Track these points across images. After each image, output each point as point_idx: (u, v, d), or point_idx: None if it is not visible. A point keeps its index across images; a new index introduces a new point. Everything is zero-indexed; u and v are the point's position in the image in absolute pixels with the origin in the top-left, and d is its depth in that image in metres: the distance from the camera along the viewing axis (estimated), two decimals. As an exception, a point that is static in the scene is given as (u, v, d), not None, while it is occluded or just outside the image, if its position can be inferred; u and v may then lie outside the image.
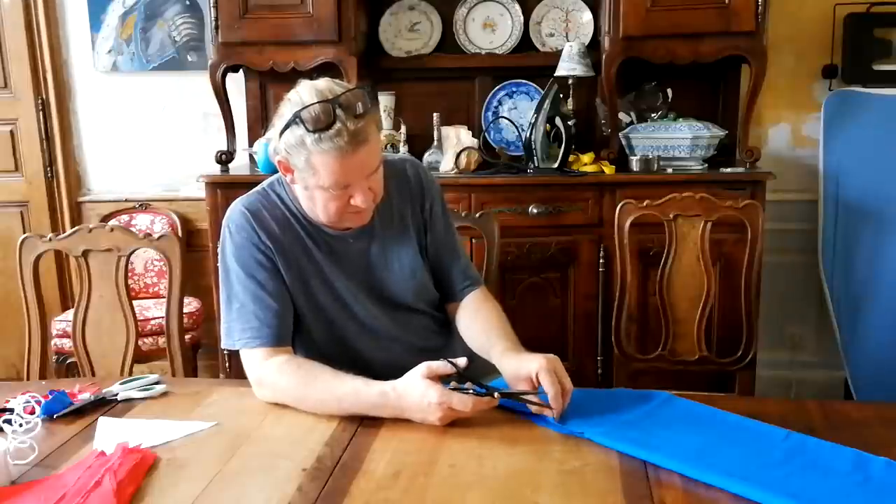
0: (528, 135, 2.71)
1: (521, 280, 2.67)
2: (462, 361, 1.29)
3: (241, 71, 3.02)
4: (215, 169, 2.82)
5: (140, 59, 3.21)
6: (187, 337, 2.51)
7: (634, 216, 2.00)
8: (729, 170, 2.63)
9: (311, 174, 1.36)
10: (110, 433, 1.28)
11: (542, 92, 2.75)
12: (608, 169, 2.67)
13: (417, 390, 1.25)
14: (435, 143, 2.82)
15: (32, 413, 1.30)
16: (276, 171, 1.48)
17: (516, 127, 2.93)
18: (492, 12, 2.98)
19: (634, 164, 2.68)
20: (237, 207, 1.49)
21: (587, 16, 2.94)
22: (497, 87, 3.00)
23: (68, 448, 1.25)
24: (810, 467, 1.10)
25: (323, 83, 1.36)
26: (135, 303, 1.92)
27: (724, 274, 2.35)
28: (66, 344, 2.71)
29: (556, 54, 2.79)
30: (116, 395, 1.44)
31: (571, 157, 2.71)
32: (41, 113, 3.27)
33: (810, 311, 3.07)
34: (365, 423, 1.29)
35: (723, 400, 1.36)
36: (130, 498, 1.07)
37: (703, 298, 1.99)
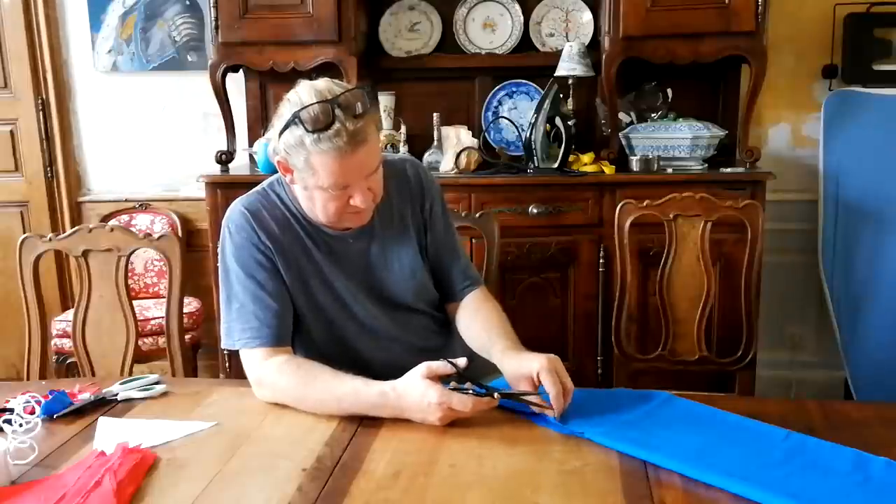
0: (528, 135, 2.71)
1: (521, 280, 2.67)
2: (462, 362, 1.29)
3: (241, 71, 3.02)
4: (215, 169, 2.82)
5: (140, 59, 3.22)
6: (187, 337, 2.51)
7: (634, 216, 2.00)
8: (729, 170, 2.63)
9: (311, 174, 1.36)
10: (110, 433, 1.28)
11: (542, 92, 2.75)
12: (608, 169, 2.67)
13: (417, 390, 1.25)
14: (435, 143, 2.82)
15: (32, 413, 1.30)
16: (275, 171, 1.48)
17: (516, 127, 2.93)
18: (492, 12, 2.98)
19: (634, 164, 2.68)
20: (237, 207, 1.49)
21: (587, 16, 2.94)
22: (497, 87, 3.00)
23: (68, 448, 1.25)
24: (810, 467, 1.10)
25: (322, 83, 1.36)
26: (135, 303, 1.92)
27: (724, 274, 2.35)
28: (66, 344, 2.71)
29: (556, 54, 2.79)
30: (116, 395, 1.44)
31: (571, 157, 2.71)
32: (41, 113, 3.27)
33: (810, 311, 3.07)
34: (365, 423, 1.29)
35: (723, 400, 1.36)
36: (130, 498, 1.07)
37: (703, 298, 1.99)
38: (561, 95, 2.71)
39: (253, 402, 1.39)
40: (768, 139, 3.02)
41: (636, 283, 2.10)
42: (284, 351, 1.43)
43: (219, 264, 1.50)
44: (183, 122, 3.26)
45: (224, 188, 2.67)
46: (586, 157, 2.72)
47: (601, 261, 2.63)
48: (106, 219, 3.22)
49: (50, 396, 1.37)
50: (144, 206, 3.28)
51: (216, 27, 2.74)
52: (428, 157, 2.79)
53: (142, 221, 3.23)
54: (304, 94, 1.34)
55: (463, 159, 2.70)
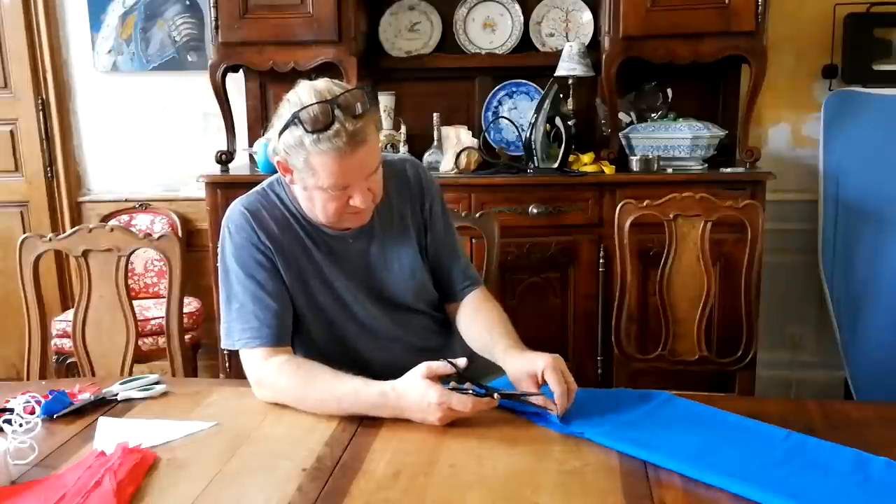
0: (528, 135, 2.71)
1: (521, 280, 2.67)
2: (462, 362, 1.29)
3: (241, 71, 3.02)
4: (215, 169, 2.82)
5: (140, 59, 3.21)
6: (187, 337, 2.52)
7: (634, 216, 2.00)
8: (729, 170, 2.63)
9: (310, 175, 1.36)
10: (110, 433, 1.28)
11: (542, 92, 2.75)
12: (608, 169, 2.67)
13: (417, 390, 1.25)
14: (435, 143, 2.82)
15: (32, 413, 1.30)
16: (275, 171, 1.48)
17: (516, 127, 2.93)
18: (492, 12, 2.98)
19: (634, 164, 2.68)
20: (236, 207, 1.49)
21: (587, 16, 2.94)
22: (497, 87, 3.00)
23: (68, 448, 1.25)
24: (810, 467, 1.10)
25: (322, 84, 1.36)
26: (135, 303, 1.92)
27: (724, 274, 2.35)
28: (66, 344, 2.71)
29: (556, 54, 2.79)
30: (116, 395, 1.44)
31: (571, 157, 2.71)
32: (41, 113, 3.27)
33: (810, 311, 3.07)
34: (365, 423, 1.29)
35: (723, 400, 1.36)
36: (130, 498, 1.07)
37: (703, 298, 1.99)
38: (561, 95, 2.71)
39: (253, 402, 1.39)
40: (768, 139, 3.02)
41: (636, 283, 2.10)
42: (284, 351, 1.43)
43: (218, 264, 1.50)
44: (183, 122, 3.26)
45: (224, 188, 2.67)
46: (586, 157, 2.72)
47: (601, 261, 2.63)
48: (106, 219, 3.22)
49: (50, 396, 1.37)
50: (144, 206, 3.28)
51: (216, 27, 2.74)
52: (428, 157, 2.79)
53: (142, 221, 3.23)
54: (303, 95, 1.34)
55: (463, 159, 2.70)
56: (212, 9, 2.73)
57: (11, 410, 1.27)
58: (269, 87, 3.06)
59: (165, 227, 3.18)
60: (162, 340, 2.28)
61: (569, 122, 2.66)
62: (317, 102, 1.31)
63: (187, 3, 3.17)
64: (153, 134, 3.28)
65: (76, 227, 1.87)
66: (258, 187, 1.54)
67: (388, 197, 1.52)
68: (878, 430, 1.23)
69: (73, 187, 3.35)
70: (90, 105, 3.30)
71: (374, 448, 1.20)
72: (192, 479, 1.13)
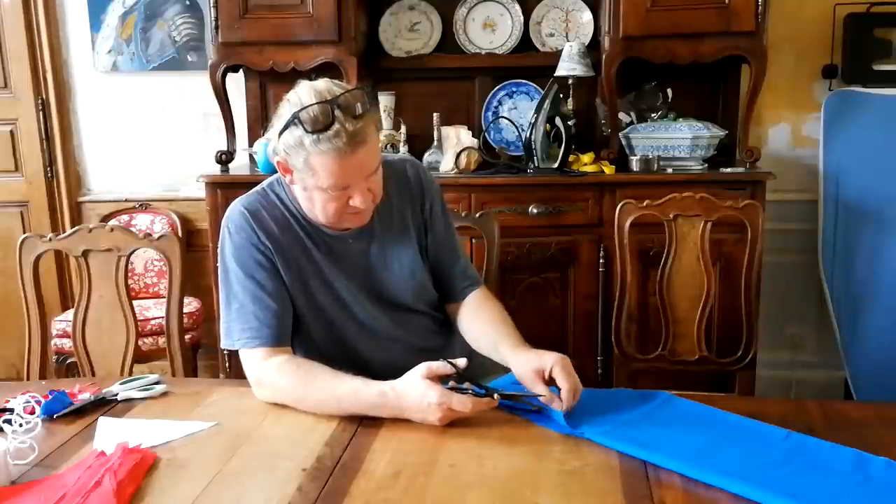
0: (528, 135, 2.71)
1: (521, 280, 2.67)
2: (462, 362, 1.29)
3: (241, 71, 3.02)
4: (215, 169, 2.82)
5: (140, 59, 3.22)
6: (187, 337, 2.51)
7: (634, 216, 2.00)
8: (729, 170, 2.63)
9: (310, 175, 1.36)
10: (110, 433, 1.28)
11: (542, 92, 2.75)
12: (608, 169, 2.67)
13: (417, 390, 1.25)
14: (435, 143, 2.82)
15: (32, 413, 1.30)
16: (275, 172, 1.48)
17: (516, 127, 2.93)
18: (492, 12, 2.98)
19: (634, 164, 2.68)
20: (236, 208, 1.49)
21: (587, 16, 2.94)
22: (497, 87, 3.00)
23: (68, 448, 1.25)
24: (810, 467, 1.10)
25: (322, 84, 1.36)
26: (135, 303, 1.92)
27: (724, 274, 2.35)
28: (66, 344, 2.71)
29: (556, 54, 2.78)
30: (116, 395, 1.44)
31: (571, 157, 2.71)
32: (41, 113, 3.27)
33: (810, 311, 3.07)
34: (365, 423, 1.29)
35: (723, 400, 1.36)
36: (130, 498, 1.07)
37: (703, 298, 1.99)
38: (561, 95, 2.71)
39: (253, 402, 1.39)
40: (768, 139, 3.02)
41: (636, 283, 2.10)
42: (284, 351, 1.43)
43: (218, 264, 1.50)
44: (183, 122, 3.26)
45: (224, 188, 2.67)
46: (586, 157, 2.72)
47: (601, 261, 2.63)
48: (106, 219, 3.22)
49: (50, 396, 1.37)
50: (144, 206, 3.28)
51: (216, 27, 2.74)
52: (428, 157, 2.79)
53: (142, 221, 3.23)
54: (303, 95, 1.34)
55: (463, 159, 2.70)
56: (212, 9, 2.73)
57: (11, 410, 1.27)
58: (269, 87, 3.06)
59: (165, 227, 3.18)
60: (162, 340, 2.28)
61: (569, 122, 2.66)
62: (317, 103, 1.31)
63: (187, 3, 3.17)
64: (153, 134, 3.28)
65: (76, 227, 1.87)
66: (258, 187, 1.54)
67: (389, 197, 1.52)
68: (878, 430, 1.23)
69: (73, 187, 3.35)
70: (90, 105, 3.30)
71: (374, 448, 1.20)
72: (192, 479, 1.13)
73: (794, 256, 3.02)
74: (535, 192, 2.61)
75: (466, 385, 1.28)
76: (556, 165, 2.67)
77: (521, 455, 1.17)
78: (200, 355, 3.10)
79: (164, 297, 2.02)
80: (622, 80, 2.77)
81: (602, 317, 2.65)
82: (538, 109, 2.68)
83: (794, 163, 3.00)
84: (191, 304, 2.97)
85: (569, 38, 2.93)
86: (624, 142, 2.82)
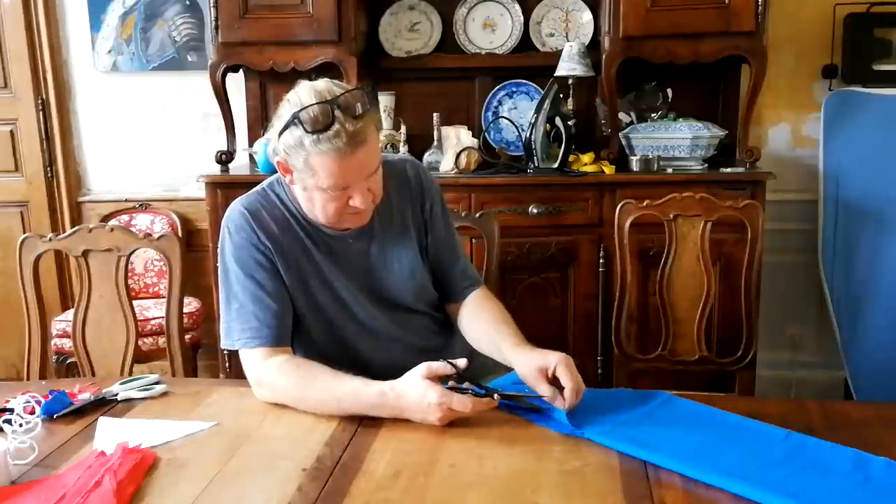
0: (528, 135, 2.71)
1: (521, 280, 2.67)
2: (462, 362, 1.29)
3: (241, 71, 3.02)
4: (215, 169, 2.82)
5: (140, 59, 3.21)
6: (187, 337, 2.51)
7: (634, 216, 2.00)
8: (729, 170, 2.63)
9: (310, 175, 1.36)
10: (110, 433, 1.28)
11: (542, 92, 2.75)
12: (608, 169, 2.66)
13: (417, 390, 1.25)
14: (435, 143, 2.82)
15: (32, 413, 1.30)
16: (275, 172, 1.48)
17: (516, 127, 2.93)
18: (492, 12, 2.98)
19: (634, 164, 2.68)
20: (236, 208, 1.49)
21: (587, 16, 2.94)
22: (497, 87, 3.00)
23: (68, 448, 1.25)
24: (810, 467, 1.10)
25: (322, 84, 1.36)
26: (135, 303, 1.92)
27: (724, 274, 2.35)
28: (66, 344, 2.71)
29: (556, 54, 2.78)
30: (116, 395, 1.44)
31: (571, 157, 2.71)
32: (41, 113, 3.27)
33: (810, 311, 3.07)
34: (365, 423, 1.29)
35: (723, 400, 1.36)
36: (130, 498, 1.07)
37: (703, 298, 1.99)
38: (561, 95, 2.71)
39: (253, 402, 1.39)
40: (768, 139, 3.02)
41: (636, 283, 2.10)
42: (284, 351, 1.43)
43: (218, 264, 1.50)
44: (183, 122, 3.26)
45: (224, 188, 2.67)
46: (586, 157, 2.72)
47: (601, 261, 2.63)
48: (106, 219, 3.22)
49: (50, 396, 1.37)
50: (144, 206, 3.28)
51: (216, 27, 2.74)
52: (428, 157, 2.79)
53: (142, 221, 3.23)
54: (303, 95, 1.34)
55: (463, 159, 2.70)
56: (212, 9, 2.73)
57: (11, 410, 1.27)
58: (269, 87, 3.06)
59: (165, 227, 3.18)
60: (162, 340, 2.28)
61: (569, 122, 2.66)
62: (317, 103, 1.31)
63: (187, 3, 3.17)
64: (153, 134, 3.28)
65: (76, 227, 1.87)
66: (258, 187, 1.54)
67: (389, 197, 1.52)
68: (878, 430, 1.23)
69: (73, 187, 3.35)
70: (90, 105, 3.30)
71: (374, 448, 1.20)
72: (192, 479, 1.13)
73: (794, 256, 3.02)
74: (535, 192, 2.61)
75: (466, 385, 1.28)
76: (556, 165, 2.67)
77: (521, 455, 1.17)
78: (200, 355, 3.10)
79: (164, 297, 2.02)
80: (622, 80, 2.77)
81: (602, 317, 2.65)
82: (538, 109, 2.68)
83: (794, 163, 3.00)
84: (191, 304, 2.97)
85: (569, 38, 2.93)
86: (624, 142, 2.82)
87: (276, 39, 2.73)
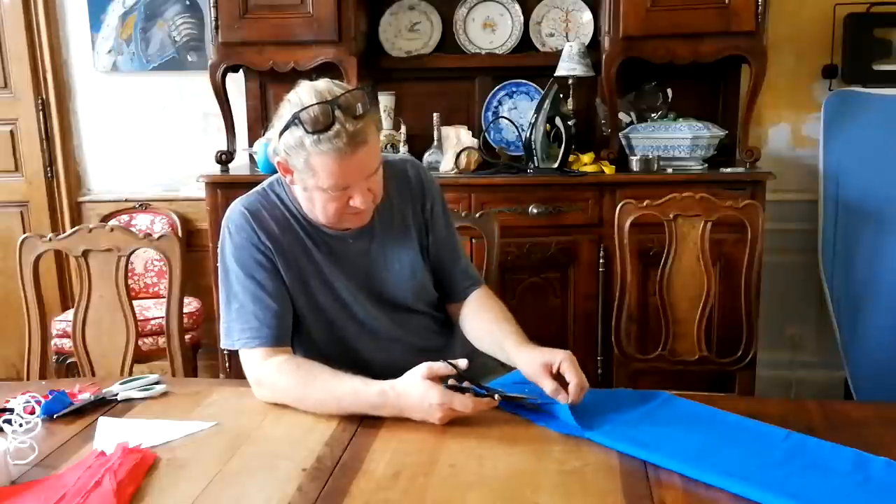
0: (528, 135, 2.71)
1: (521, 280, 2.67)
2: (463, 363, 1.29)
3: (241, 71, 3.02)
4: (215, 169, 2.82)
5: (140, 59, 3.21)
6: (187, 337, 2.51)
7: (634, 216, 2.00)
8: (729, 170, 2.63)
9: (311, 175, 1.36)
10: (110, 433, 1.28)
11: (542, 92, 2.75)
12: (608, 169, 2.67)
13: (418, 391, 1.25)
14: (435, 143, 2.82)
15: (32, 413, 1.30)
16: (275, 172, 1.48)
17: (516, 127, 2.93)
18: (492, 12, 2.98)
19: (634, 164, 2.68)
20: (237, 208, 1.49)
21: (587, 16, 2.94)
22: (497, 87, 3.00)
23: (68, 448, 1.25)
24: (810, 467, 1.10)
25: (322, 84, 1.36)
26: (135, 303, 1.92)
27: (724, 274, 2.35)
28: (66, 344, 2.71)
29: (556, 54, 2.78)
30: (116, 395, 1.44)
31: (571, 157, 2.71)
32: (41, 113, 3.27)
33: (810, 311, 3.07)
34: (365, 423, 1.29)
35: (723, 400, 1.36)
36: (130, 498, 1.07)
37: (703, 298, 1.99)
38: (561, 95, 2.71)
39: (253, 402, 1.39)
40: (768, 139, 3.02)
41: (636, 283, 2.10)
42: (284, 351, 1.43)
43: (218, 264, 1.50)
44: (183, 122, 3.26)
45: (224, 188, 2.67)
46: (586, 157, 2.72)
47: (601, 261, 2.63)
48: (106, 219, 3.22)
49: (50, 396, 1.37)
50: (144, 206, 3.28)
51: (216, 27, 2.74)
52: (428, 157, 2.79)
53: (142, 221, 3.23)
54: (304, 95, 1.34)
55: (463, 159, 2.70)
56: (212, 9, 2.73)
57: (11, 410, 1.27)
58: (269, 87, 3.06)
59: (165, 227, 3.18)
60: (162, 340, 2.28)
61: (569, 122, 2.66)
62: (317, 103, 1.31)
63: (187, 3, 3.17)
64: (153, 134, 3.28)
65: (76, 227, 1.87)
66: (258, 187, 1.54)
67: (389, 197, 1.52)
68: (878, 430, 1.23)
69: (73, 187, 3.35)
70: (90, 105, 3.30)
71: (374, 448, 1.20)
72: (192, 479, 1.13)
73: (794, 256, 3.02)
74: (535, 192, 2.61)
75: (466, 384, 1.28)
76: (556, 165, 2.67)
77: (521, 455, 1.17)
78: (200, 355, 3.10)
79: (164, 297, 2.02)
80: (622, 80, 2.77)
81: (602, 317, 2.65)
82: (538, 109, 2.68)
83: (794, 163, 3.00)
84: (191, 304, 2.97)
85: (569, 38, 2.93)
86: (624, 142, 2.82)
87: (276, 39, 2.73)
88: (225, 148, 2.88)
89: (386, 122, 2.84)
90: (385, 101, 2.84)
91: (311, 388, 1.33)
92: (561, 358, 1.30)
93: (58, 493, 1.07)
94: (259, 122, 3.05)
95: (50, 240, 1.85)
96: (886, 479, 1.07)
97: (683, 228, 2.00)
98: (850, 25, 2.84)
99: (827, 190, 2.86)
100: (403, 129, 2.84)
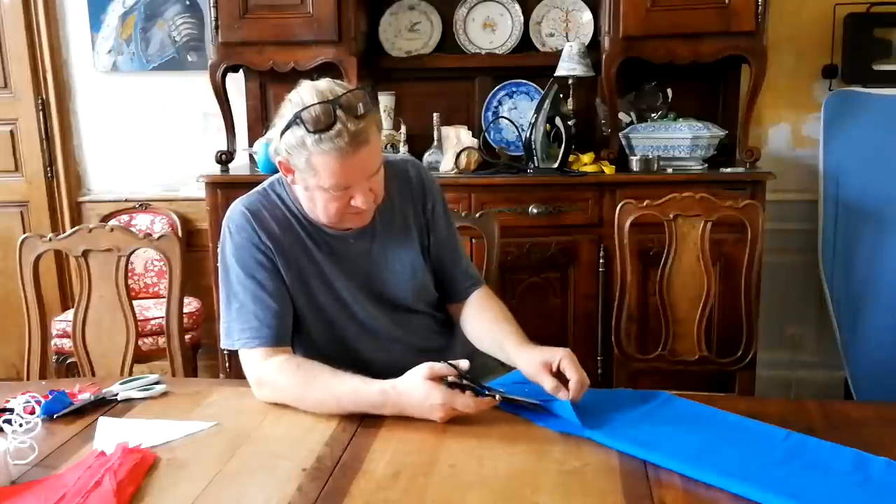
0: (528, 135, 2.71)
1: (521, 280, 2.67)
2: (464, 364, 1.29)
3: (241, 71, 3.02)
4: (215, 169, 2.81)
5: (140, 59, 3.21)
6: (187, 337, 2.51)
7: (634, 216, 2.00)
8: (729, 170, 2.63)
9: (312, 175, 1.36)
10: (110, 433, 1.28)
11: (542, 92, 2.75)
12: (608, 169, 2.67)
13: (420, 391, 1.26)
14: (435, 143, 2.82)
15: (32, 413, 1.30)
16: (275, 171, 1.48)
17: (516, 127, 2.93)
18: (492, 12, 2.98)
19: (634, 164, 2.68)
20: (237, 207, 1.49)
21: (587, 16, 2.94)
22: (497, 87, 3.00)
23: (68, 448, 1.25)
24: (810, 467, 1.10)
25: (324, 84, 1.36)
26: (135, 303, 1.92)
27: (724, 274, 2.35)
28: (66, 344, 2.70)
29: (556, 54, 2.78)
30: (116, 395, 1.44)
31: (571, 157, 2.71)
32: (41, 113, 3.27)
33: (810, 311, 3.07)
34: (365, 423, 1.29)
35: (723, 400, 1.36)
36: (130, 498, 1.07)
37: (703, 298, 1.99)
38: (561, 95, 2.71)
39: (253, 402, 1.39)
40: (768, 139, 3.02)
41: (636, 283, 2.10)
42: (284, 351, 1.43)
43: (219, 264, 1.50)
44: (183, 122, 3.26)
45: (224, 188, 2.67)
46: (586, 157, 2.72)
47: (601, 261, 2.63)
48: (106, 219, 3.22)
49: (50, 396, 1.37)
50: (144, 206, 3.28)
51: (216, 27, 2.74)
52: (428, 157, 2.79)
53: (142, 221, 3.23)
54: (305, 95, 1.34)
55: (463, 159, 2.70)
56: (212, 9, 2.73)
57: (11, 410, 1.27)
58: (269, 87, 3.06)
59: (165, 227, 3.18)
60: (162, 340, 2.28)
61: (569, 122, 2.66)
62: (319, 102, 1.31)
63: (187, 3, 3.17)
64: (153, 134, 3.28)
65: (76, 227, 1.87)
66: (259, 187, 1.54)
67: (390, 197, 1.52)
68: (878, 430, 1.23)
69: (73, 187, 3.35)
70: (90, 105, 3.30)
71: (374, 448, 1.20)
72: (192, 479, 1.13)
73: (794, 256, 3.02)
74: (535, 192, 2.61)
75: (465, 383, 1.28)
76: (556, 165, 2.67)
77: (521, 455, 1.17)
78: (200, 355, 3.10)
79: (164, 297, 2.02)
80: (622, 80, 2.77)
81: (602, 317, 2.65)
82: (538, 109, 2.68)
83: (794, 163, 3.00)
84: (191, 304, 2.97)
85: (569, 38, 2.93)
86: (624, 142, 2.82)
87: (276, 39, 2.73)
88: (225, 148, 2.88)
89: (386, 122, 2.83)
90: (385, 101, 2.84)
91: (311, 387, 1.33)
92: (560, 355, 1.31)
93: (58, 493, 1.07)
94: (259, 122, 3.05)
95: (50, 240, 1.85)
96: (886, 479, 1.07)
97: (683, 228, 2.00)
98: (850, 25, 2.84)
99: (827, 190, 2.86)
100: (403, 129, 2.84)
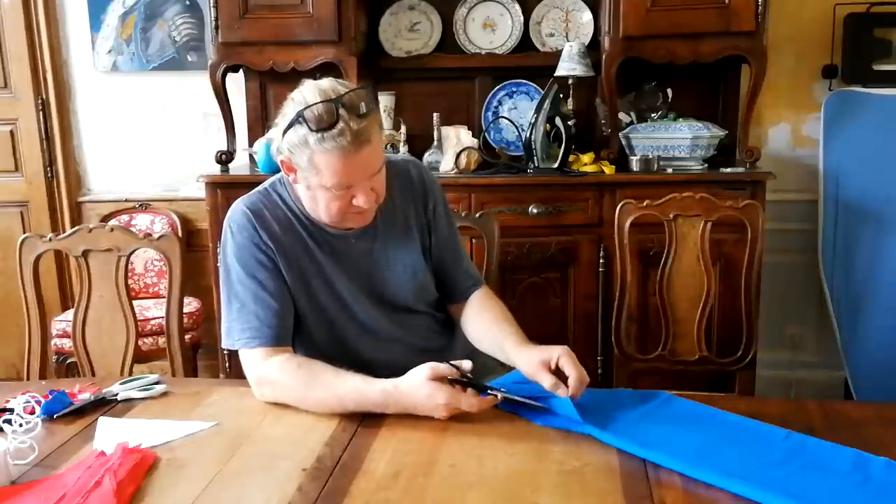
0: (528, 135, 2.71)
1: (521, 280, 2.67)
2: (467, 365, 1.29)
3: (241, 71, 3.02)
4: (215, 169, 2.81)
5: (140, 59, 3.21)
6: (187, 337, 2.51)
7: (634, 216, 2.00)
8: (729, 170, 2.63)
9: (314, 174, 1.36)
10: (110, 433, 1.28)
11: (542, 92, 2.75)
12: (608, 169, 2.66)
13: (423, 391, 1.26)
14: (435, 143, 2.82)
15: (32, 413, 1.30)
16: (275, 171, 1.48)
17: (516, 127, 2.93)
18: (492, 12, 2.98)
19: (634, 164, 2.68)
20: (239, 207, 1.49)
21: (587, 16, 2.94)
22: (497, 87, 3.00)
23: (68, 448, 1.25)
24: (810, 467, 1.10)
25: (326, 83, 1.36)
26: (135, 303, 1.92)
27: (724, 274, 2.35)
28: (66, 344, 2.70)
29: (556, 54, 2.78)
30: (116, 395, 1.44)
31: (571, 157, 2.71)
32: (41, 113, 3.27)
33: (810, 311, 3.07)
34: (365, 423, 1.29)
35: (723, 400, 1.36)
36: (130, 498, 1.07)
37: (703, 298, 1.99)
38: (561, 95, 2.71)
39: (253, 402, 1.39)
40: (768, 139, 3.02)
41: (636, 283, 2.10)
42: (284, 351, 1.43)
43: (220, 264, 1.51)
44: (183, 122, 3.26)
45: (224, 188, 2.67)
46: (586, 157, 2.72)
47: (601, 261, 2.63)
48: (106, 219, 3.22)
49: (50, 396, 1.37)
50: (144, 206, 3.28)
51: (216, 27, 2.74)
52: (428, 157, 2.79)
53: (142, 221, 3.23)
54: (308, 94, 1.34)
55: (463, 159, 2.70)
56: (212, 9, 2.73)
57: (11, 410, 1.27)
58: (269, 87, 3.05)
59: (165, 227, 3.18)
60: (162, 340, 2.28)
61: (569, 122, 2.66)
62: (321, 101, 1.31)
63: (187, 3, 3.17)
64: (153, 134, 3.28)
65: (76, 227, 1.87)
66: (260, 187, 1.54)
67: (392, 197, 1.52)
68: (878, 430, 1.23)
69: (73, 187, 3.35)
70: (90, 105, 3.30)
71: (374, 448, 1.20)
72: (192, 479, 1.13)
73: (794, 256, 3.02)
74: (535, 192, 2.61)
75: (465, 381, 1.28)
76: (556, 165, 2.67)
77: (521, 455, 1.17)
78: (200, 355, 3.10)
79: (164, 297, 2.02)
80: (622, 80, 2.77)
81: (602, 317, 2.65)
82: (538, 109, 2.68)
83: (794, 163, 3.00)
84: (191, 304, 2.97)
85: (569, 38, 2.93)
86: (624, 142, 2.82)
87: (276, 39, 2.73)
88: (225, 148, 2.88)
89: (386, 122, 2.83)
90: (385, 101, 2.84)
91: (312, 387, 1.33)
92: (559, 353, 1.31)
93: (58, 493, 1.07)
94: (259, 122, 3.05)
95: (50, 240, 1.85)
96: (886, 479, 1.07)
97: (683, 228, 2.00)
98: (850, 25, 2.84)
99: (827, 190, 2.86)
100: (403, 129, 2.84)
